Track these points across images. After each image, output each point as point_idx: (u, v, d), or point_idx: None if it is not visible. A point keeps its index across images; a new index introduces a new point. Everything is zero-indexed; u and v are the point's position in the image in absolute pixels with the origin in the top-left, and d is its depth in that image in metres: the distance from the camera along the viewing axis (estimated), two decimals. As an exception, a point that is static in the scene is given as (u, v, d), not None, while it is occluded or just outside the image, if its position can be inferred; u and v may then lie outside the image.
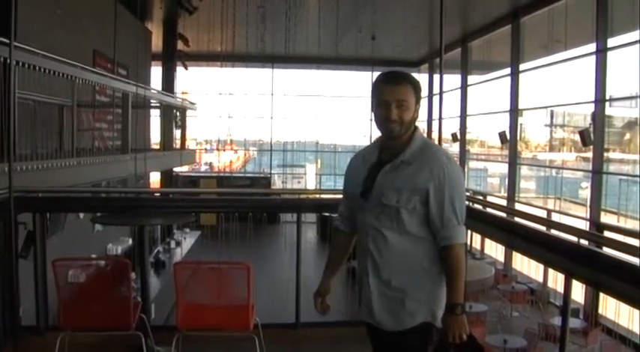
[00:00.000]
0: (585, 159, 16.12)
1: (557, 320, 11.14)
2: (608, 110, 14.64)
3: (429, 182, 2.76)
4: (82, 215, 10.13)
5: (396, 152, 2.85)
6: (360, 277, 2.95)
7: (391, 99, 2.78)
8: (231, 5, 14.55)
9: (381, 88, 2.83)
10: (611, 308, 11.85)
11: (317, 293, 3.19)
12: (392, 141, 2.86)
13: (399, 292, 2.82)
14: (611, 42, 13.45)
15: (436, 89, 19.84)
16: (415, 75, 26.34)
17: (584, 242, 3.38)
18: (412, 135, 2.86)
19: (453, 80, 22.56)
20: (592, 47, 13.85)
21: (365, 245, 2.89)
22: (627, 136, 19.43)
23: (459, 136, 22.17)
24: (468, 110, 22.21)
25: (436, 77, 23.83)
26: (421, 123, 26.96)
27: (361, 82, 26.07)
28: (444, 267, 2.79)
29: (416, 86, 2.85)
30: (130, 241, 13.90)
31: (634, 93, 15.55)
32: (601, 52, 13.49)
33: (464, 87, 22.23)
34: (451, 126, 22.49)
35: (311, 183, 26.92)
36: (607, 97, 13.88)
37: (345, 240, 3.17)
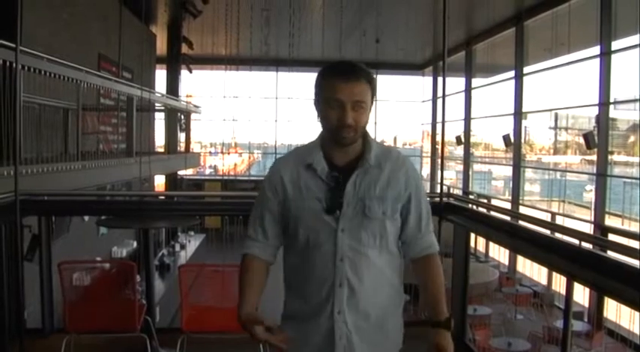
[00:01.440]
0: (590, 162, 16.14)
1: (561, 323, 11.12)
2: (613, 113, 14.65)
3: (409, 187, 2.38)
4: (86, 218, 10.19)
5: (350, 157, 2.34)
6: (315, 315, 2.31)
7: (347, 100, 2.22)
8: (235, 8, 14.60)
9: (332, 84, 2.25)
10: (612, 310, 11.86)
11: (251, 321, 2.20)
12: (342, 147, 2.31)
13: (378, 323, 2.34)
14: (615, 45, 13.46)
15: (440, 92, 20.06)
16: (419, 78, 26.58)
17: (585, 245, 3.39)
18: (365, 137, 2.37)
19: (457, 83, 22.57)
20: (596, 50, 13.86)
21: (335, 275, 2.26)
22: (632, 139, 19.41)
23: (463, 139, 22.17)
24: (472, 113, 22.22)
25: (440, 80, 23.87)
26: (426, 126, 27.05)
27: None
28: (426, 279, 2.40)
29: (372, 83, 2.33)
30: (135, 244, 13.96)
31: (638, 96, 15.55)
32: (605, 55, 13.49)
33: (468, 90, 22.25)
34: (455, 128, 22.50)
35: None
36: (611, 100, 13.88)
37: (264, 268, 2.43)
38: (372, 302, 2.31)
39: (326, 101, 2.26)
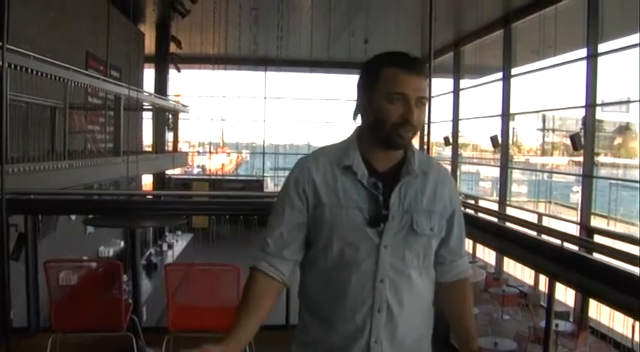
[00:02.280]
0: (578, 163, 16.21)
1: (547, 324, 11.20)
2: (599, 115, 14.74)
3: (453, 202, 2.12)
4: (73, 217, 10.15)
5: (392, 162, 2.04)
6: (346, 345, 2.00)
7: (412, 95, 1.92)
8: (223, 8, 14.60)
9: (393, 76, 1.94)
10: (593, 308, 11.95)
11: None
12: (388, 149, 2.01)
13: (414, 349, 2.08)
14: (602, 47, 13.55)
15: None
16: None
17: (567, 245, 3.42)
18: None
19: (445, 84, 22.65)
20: (583, 52, 13.95)
21: (374, 298, 1.97)
22: (618, 141, 19.51)
23: (451, 140, 22.25)
24: (460, 114, 22.30)
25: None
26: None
27: (354, 85, 26.05)
28: (458, 306, 2.20)
29: (427, 80, 2.05)
30: (122, 243, 13.91)
31: (624, 98, 15.65)
32: (592, 57, 13.58)
33: (456, 91, 22.33)
34: (444, 129, 22.57)
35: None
36: (598, 102, 13.97)
37: (274, 289, 2.06)
38: (409, 329, 2.03)
39: (385, 95, 1.94)
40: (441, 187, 2.08)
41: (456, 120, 22.33)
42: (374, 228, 1.96)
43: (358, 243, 1.96)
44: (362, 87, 2.04)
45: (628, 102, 16.55)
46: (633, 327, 8.46)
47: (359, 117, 2.07)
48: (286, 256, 2.04)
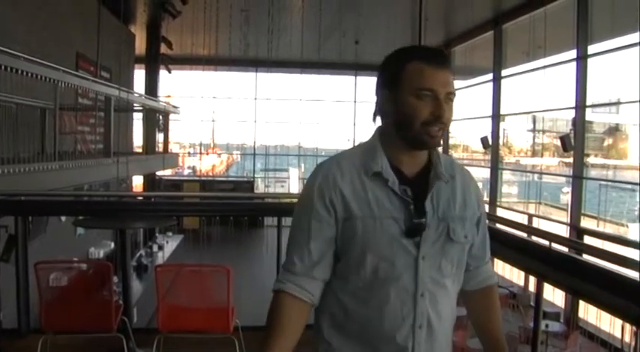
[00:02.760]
0: (568, 165, 16.31)
1: (537, 324, 11.25)
2: (589, 116, 14.82)
3: (480, 206, 2.02)
4: (63, 218, 10.13)
5: (419, 166, 1.91)
6: None
7: (441, 90, 1.79)
8: (214, 9, 14.60)
9: (420, 70, 1.80)
10: (581, 308, 12.02)
11: None
12: (415, 151, 1.88)
13: None
14: (592, 49, 13.62)
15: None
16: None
17: (555, 246, 3.45)
18: None
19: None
20: (573, 54, 14.02)
21: (415, 314, 1.83)
22: (608, 142, 19.62)
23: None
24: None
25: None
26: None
27: (344, 86, 26.14)
28: (485, 313, 2.10)
29: (453, 73, 1.89)
30: (112, 245, 13.89)
31: (614, 100, 15.74)
32: (581, 59, 13.65)
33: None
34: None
35: (294, 187, 26.93)
36: (588, 103, 14.05)
37: (305, 312, 1.89)
38: (446, 341, 1.93)
39: (412, 92, 1.79)
40: (469, 191, 1.97)
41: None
42: (411, 238, 1.81)
43: (394, 256, 1.80)
44: (383, 85, 1.89)
45: (618, 103, 16.68)
46: (623, 328, 8.51)
47: (378, 119, 1.94)
48: (316, 276, 1.87)
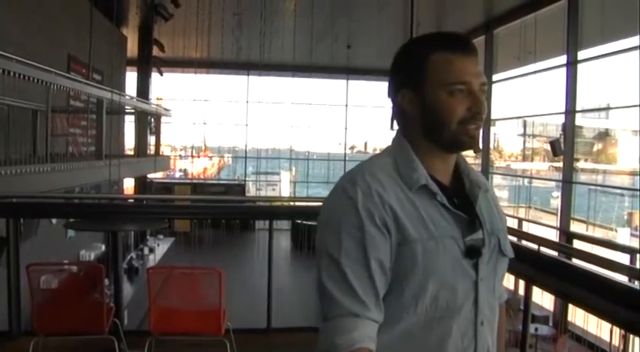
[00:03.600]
0: (558, 169, 16.40)
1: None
2: (579, 121, 14.91)
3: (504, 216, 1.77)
4: (54, 221, 10.12)
5: (449, 173, 1.65)
6: None
7: (475, 81, 1.54)
8: (206, 12, 14.61)
9: (449, 62, 1.53)
10: (570, 311, 12.10)
11: None
12: (451, 153, 1.63)
13: None
14: (582, 54, 13.72)
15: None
16: (391, 83, 26.95)
17: (545, 250, 3.49)
18: None
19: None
20: (563, 59, 14.11)
21: (476, 346, 1.57)
22: (598, 147, 19.72)
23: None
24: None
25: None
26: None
27: (336, 90, 26.19)
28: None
29: None
30: (103, 247, 13.88)
31: (604, 105, 15.83)
32: (571, 64, 13.74)
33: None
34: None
35: (285, 191, 26.94)
36: (578, 108, 14.14)
37: None
38: None
39: (442, 87, 1.53)
40: (496, 201, 1.74)
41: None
42: (472, 259, 1.54)
43: (456, 282, 1.52)
44: (402, 84, 1.61)
45: (607, 108, 16.76)
46: (611, 331, 8.57)
47: (395, 124, 1.68)
48: (379, 319, 1.49)
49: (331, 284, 1.46)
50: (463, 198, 1.60)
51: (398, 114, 1.63)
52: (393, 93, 1.62)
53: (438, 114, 1.53)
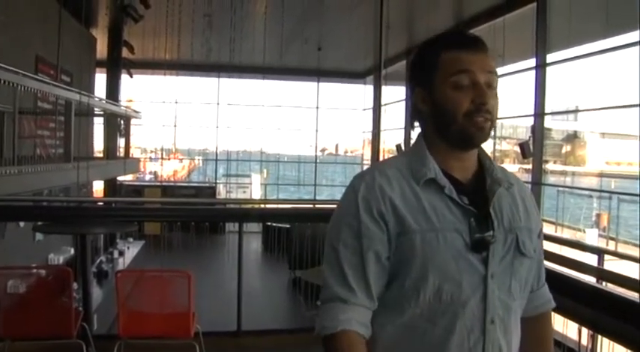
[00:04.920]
0: (528, 171, 16.57)
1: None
2: (549, 123, 15.07)
3: (540, 219, 1.78)
4: (22, 224, 10.00)
5: (470, 170, 1.68)
6: None
7: (480, 72, 1.58)
8: (177, 13, 14.55)
9: (455, 57, 1.60)
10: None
11: None
12: (465, 151, 1.66)
13: None
14: (550, 57, 13.86)
15: (383, 100, 20.10)
16: (361, 86, 26.83)
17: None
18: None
19: (399, 92, 22.83)
20: (532, 62, 14.24)
21: (485, 345, 1.55)
22: (567, 148, 19.96)
23: (403, 147, 22.43)
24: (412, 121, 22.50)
25: (383, 88, 24.14)
26: (367, 134, 27.29)
27: (307, 92, 26.24)
28: (537, 342, 1.79)
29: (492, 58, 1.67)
30: (72, 251, 13.74)
31: (572, 107, 16.03)
32: (540, 67, 13.88)
33: (408, 99, 22.56)
34: (397, 137, 22.77)
35: (256, 193, 26.89)
36: (547, 111, 14.29)
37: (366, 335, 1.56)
38: None
39: (448, 83, 1.59)
40: (528, 201, 1.73)
41: (408, 127, 22.54)
42: (478, 253, 1.55)
43: (460, 276, 1.53)
44: (416, 83, 1.70)
45: (576, 111, 16.98)
46: (580, 331, 8.65)
47: (416, 124, 1.76)
48: (371, 306, 1.57)
49: (328, 271, 1.58)
50: (482, 195, 1.62)
51: (415, 113, 1.72)
52: (410, 93, 1.71)
53: (444, 109, 1.59)
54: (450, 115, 1.58)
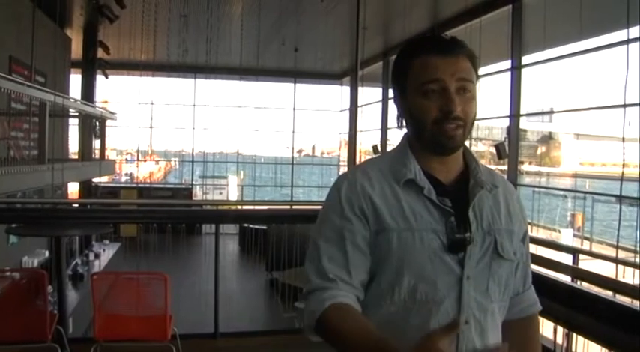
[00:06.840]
0: (504, 172, 16.69)
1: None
2: (524, 124, 15.18)
3: (525, 222, 1.78)
4: (-5, 226, 9.90)
5: (453, 173, 1.69)
6: None
7: (448, 78, 1.57)
8: (153, 14, 14.48)
9: (423, 63, 1.59)
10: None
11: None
12: (443, 155, 1.66)
13: None
14: (526, 59, 13.97)
15: (360, 102, 20.12)
16: (338, 87, 26.85)
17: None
18: (465, 146, 1.73)
19: (375, 93, 22.90)
20: (507, 64, 14.33)
21: (458, 345, 1.56)
22: (542, 149, 20.12)
23: (380, 148, 22.50)
24: (389, 123, 22.57)
25: (358, 90, 24.17)
26: (344, 135, 27.34)
27: (283, 93, 26.21)
28: (523, 345, 1.76)
29: (474, 61, 1.69)
30: (47, 254, 13.62)
31: (547, 109, 16.16)
32: (516, 69, 13.98)
33: (385, 100, 22.59)
34: (374, 138, 22.82)
35: (233, 195, 26.81)
36: (522, 112, 14.39)
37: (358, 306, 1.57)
38: None
39: (417, 90, 1.59)
40: (512, 203, 1.74)
41: (384, 128, 22.59)
42: (455, 254, 1.56)
43: (435, 275, 1.55)
44: (395, 89, 1.69)
45: (551, 112, 17.13)
46: (555, 330, 8.72)
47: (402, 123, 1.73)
48: (353, 283, 1.57)
49: (309, 267, 1.60)
50: (464, 197, 1.63)
51: (400, 117, 1.72)
52: (394, 98, 1.71)
53: (416, 118, 1.61)
54: (420, 123, 1.60)
